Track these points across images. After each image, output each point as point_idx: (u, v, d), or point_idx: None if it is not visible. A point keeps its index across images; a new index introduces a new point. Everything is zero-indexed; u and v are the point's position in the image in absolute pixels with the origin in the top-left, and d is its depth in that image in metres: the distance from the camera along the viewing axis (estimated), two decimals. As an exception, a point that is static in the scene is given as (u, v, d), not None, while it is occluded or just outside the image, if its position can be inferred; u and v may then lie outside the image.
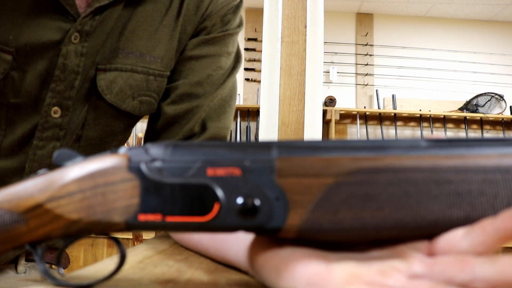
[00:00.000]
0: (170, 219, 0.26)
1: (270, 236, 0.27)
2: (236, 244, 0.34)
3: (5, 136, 0.58)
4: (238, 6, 0.69)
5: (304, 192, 0.25)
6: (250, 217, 0.25)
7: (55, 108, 0.58)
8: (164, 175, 0.26)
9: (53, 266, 0.78)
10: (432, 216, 0.25)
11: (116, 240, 0.28)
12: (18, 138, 0.59)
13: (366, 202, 0.25)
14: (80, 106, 0.60)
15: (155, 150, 0.27)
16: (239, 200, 0.25)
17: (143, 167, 0.26)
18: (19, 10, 0.54)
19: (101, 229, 0.27)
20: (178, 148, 0.27)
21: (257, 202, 0.25)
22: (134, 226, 0.26)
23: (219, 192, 0.25)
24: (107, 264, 0.35)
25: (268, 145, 0.26)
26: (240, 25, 0.70)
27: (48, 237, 0.27)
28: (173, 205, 0.26)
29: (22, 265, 0.71)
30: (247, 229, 0.26)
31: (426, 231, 0.25)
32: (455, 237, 0.24)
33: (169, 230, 0.27)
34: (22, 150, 0.60)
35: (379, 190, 0.25)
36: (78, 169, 0.27)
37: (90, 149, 0.64)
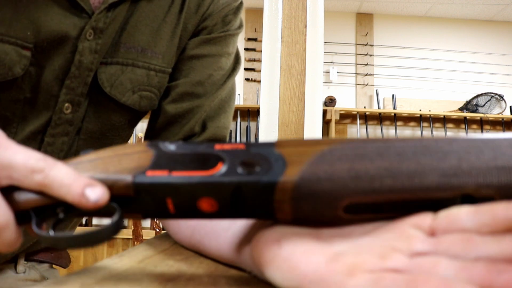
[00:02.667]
0: (176, 173, 0.27)
1: (268, 193, 0.27)
2: (240, 245, 0.34)
3: (16, 134, 0.58)
4: (238, 8, 0.69)
5: (301, 155, 0.27)
6: (250, 169, 0.27)
7: (67, 104, 0.58)
8: (177, 148, 0.29)
9: (54, 266, 0.78)
10: (422, 166, 0.26)
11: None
12: (27, 135, 0.59)
13: (359, 159, 0.27)
14: (82, 99, 0.61)
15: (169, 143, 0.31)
16: (241, 159, 0.28)
17: (160, 144, 0.30)
18: (35, 7, 0.54)
19: (107, 187, 0.28)
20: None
21: (257, 159, 0.28)
22: (141, 182, 0.27)
23: (224, 155, 0.28)
24: (107, 264, 0.35)
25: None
26: (240, 26, 0.71)
27: (54, 201, 0.28)
28: (181, 164, 0.28)
29: (22, 264, 0.71)
30: (247, 185, 0.27)
31: (418, 180, 0.26)
32: (459, 215, 0.24)
33: (174, 187, 0.27)
34: (29, 146, 0.60)
35: (369, 153, 0.27)
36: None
37: (90, 143, 0.64)
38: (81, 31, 0.56)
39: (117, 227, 0.27)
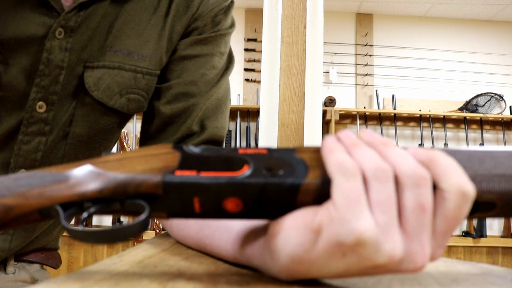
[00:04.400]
0: (204, 174, 0.28)
1: (292, 195, 0.29)
2: (254, 236, 0.34)
3: None
4: (229, 7, 0.69)
5: (321, 160, 0.29)
6: (274, 172, 0.28)
7: (40, 103, 0.59)
8: (201, 151, 0.30)
9: (44, 267, 0.77)
10: None
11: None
12: (3, 133, 0.59)
13: None
14: (67, 103, 0.61)
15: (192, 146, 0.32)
16: (265, 162, 0.29)
17: (184, 147, 0.31)
18: (4, 3, 0.54)
19: (136, 185, 0.28)
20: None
21: (280, 162, 0.29)
22: (170, 181, 0.28)
23: (248, 159, 0.29)
24: (107, 264, 0.35)
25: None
26: (232, 25, 0.71)
27: (83, 197, 0.29)
28: (207, 165, 0.29)
29: (11, 265, 0.70)
30: (272, 186, 0.28)
31: None
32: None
33: (202, 187, 0.28)
34: (7, 146, 0.60)
35: None
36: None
37: (78, 147, 0.64)
38: (50, 30, 0.56)
39: (145, 224, 0.28)
